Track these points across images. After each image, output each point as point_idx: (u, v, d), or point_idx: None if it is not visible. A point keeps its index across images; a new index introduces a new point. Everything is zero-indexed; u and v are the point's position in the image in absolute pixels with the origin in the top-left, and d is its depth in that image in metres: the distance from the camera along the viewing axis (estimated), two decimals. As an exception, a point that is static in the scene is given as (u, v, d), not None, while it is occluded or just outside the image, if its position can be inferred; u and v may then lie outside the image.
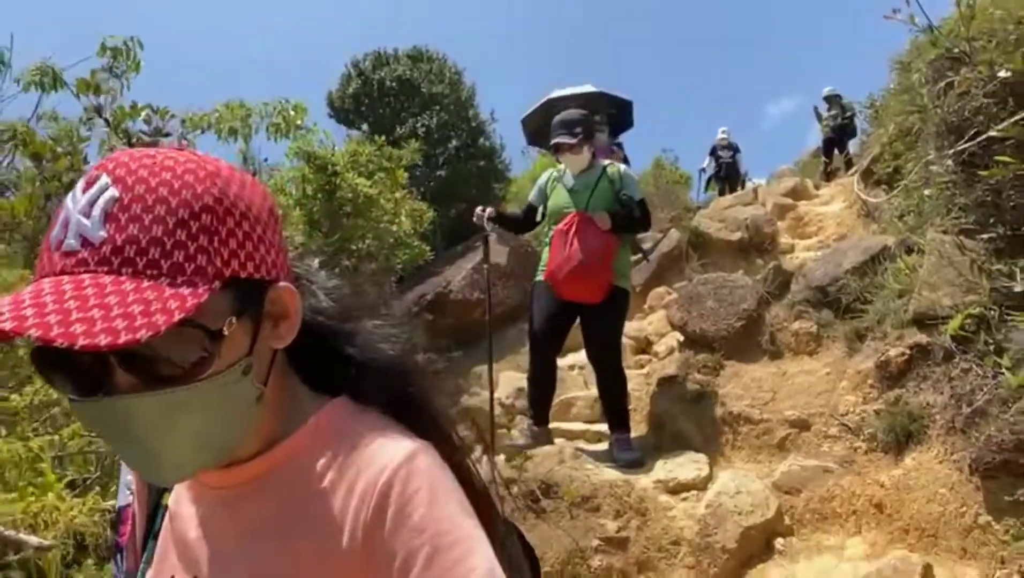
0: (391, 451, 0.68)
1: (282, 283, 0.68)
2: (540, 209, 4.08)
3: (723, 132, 11.04)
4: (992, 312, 2.93)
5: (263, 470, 0.72)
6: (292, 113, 4.49)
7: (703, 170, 10.95)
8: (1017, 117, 2.48)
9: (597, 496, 3.06)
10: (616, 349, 3.92)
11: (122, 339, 0.54)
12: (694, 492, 3.23)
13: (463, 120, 7.39)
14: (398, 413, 0.74)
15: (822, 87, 10.39)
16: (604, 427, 4.34)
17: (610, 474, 3.31)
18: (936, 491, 2.51)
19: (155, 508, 0.80)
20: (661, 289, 6.48)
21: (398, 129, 7.10)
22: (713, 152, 10.91)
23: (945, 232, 3.46)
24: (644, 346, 5.61)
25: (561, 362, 5.43)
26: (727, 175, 10.50)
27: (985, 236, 3.19)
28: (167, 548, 0.77)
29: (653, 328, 5.85)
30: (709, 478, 3.31)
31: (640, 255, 5.94)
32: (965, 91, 2.88)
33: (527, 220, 4.19)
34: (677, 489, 3.28)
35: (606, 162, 4.03)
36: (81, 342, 0.53)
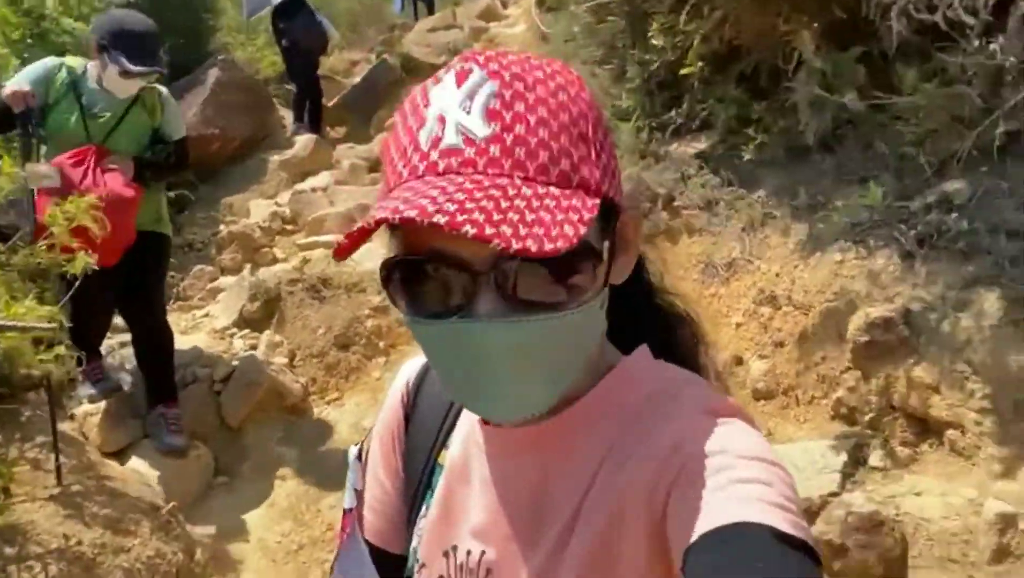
0: (714, 405, 0.63)
1: (629, 211, 0.62)
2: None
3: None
4: (612, 122, 4.40)
5: (576, 418, 0.64)
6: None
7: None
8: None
9: (363, 282, 4.17)
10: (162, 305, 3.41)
11: (547, 246, 0.48)
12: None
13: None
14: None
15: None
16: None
17: (370, 265, 4.44)
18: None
19: (432, 467, 0.74)
20: (383, 112, 7.36)
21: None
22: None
23: (583, 62, 4.84)
24: (376, 165, 6.57)
25: (305, 185, 6.26)
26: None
27: (607, 67, 4.59)
28: (446, 512, 0.70)
29: (380, 148, 6.81)
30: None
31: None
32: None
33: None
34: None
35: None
36: (516, 246, 0.48)
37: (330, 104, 7.65)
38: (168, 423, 3.12)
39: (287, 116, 7.66)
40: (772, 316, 2.90)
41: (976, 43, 2.55)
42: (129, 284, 3.05)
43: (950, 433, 2.21)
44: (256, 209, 5.96)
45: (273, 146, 7.15)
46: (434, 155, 0.55)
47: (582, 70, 4.83)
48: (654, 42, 3.71)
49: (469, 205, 0.50)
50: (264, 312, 4.14)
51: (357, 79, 8.52)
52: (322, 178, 6.43)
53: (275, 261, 5.16)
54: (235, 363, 3.59)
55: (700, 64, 3.47)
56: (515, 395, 0.58)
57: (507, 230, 0.49)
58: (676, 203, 3.65)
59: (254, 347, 3.88)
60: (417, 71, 7.56)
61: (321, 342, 3.83)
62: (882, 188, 2.82)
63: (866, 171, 3.02)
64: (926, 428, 2.29)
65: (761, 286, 3.03)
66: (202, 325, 4.25)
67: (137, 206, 2.98)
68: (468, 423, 0.72)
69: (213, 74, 6.75)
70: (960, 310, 2.30)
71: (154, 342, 3.21)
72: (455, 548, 0.69)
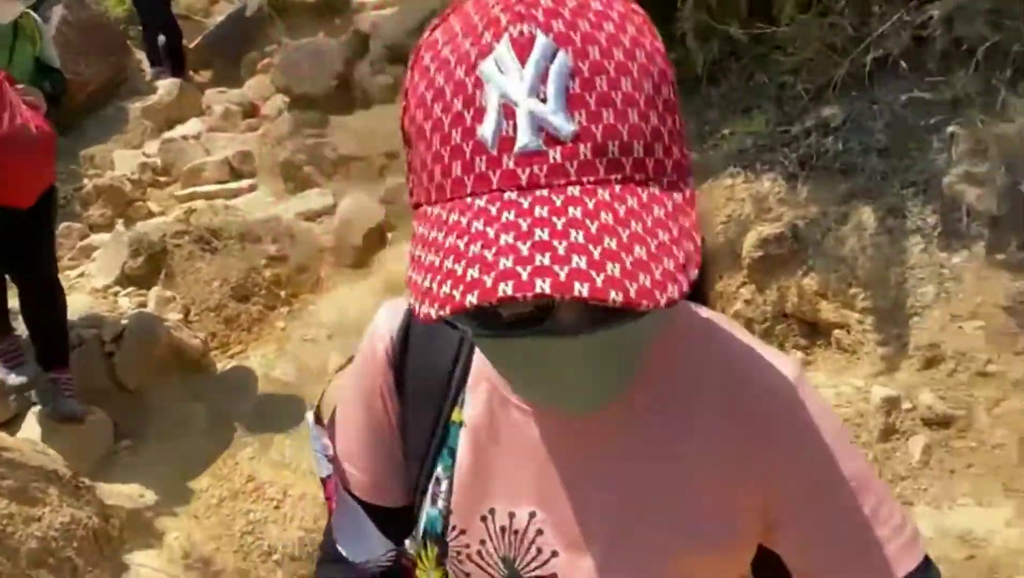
0: (777, 363, 0.61)
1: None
2: None
3: None
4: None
5: (638, 382, 0.58)
6: None
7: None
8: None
9: (254, 231, 4.01)
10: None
11: (684, 286, 0.42)
12: (326, 216, 4.38)
13: None
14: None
15: None
16: (235, 184, 5.14)
17: (259, 214, 4.26)
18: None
19: (444, 425, 0.67)
20: (254, 54, 6.95)
21: None
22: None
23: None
24: (251, 111, 6.24)
25: (174, 133, 5.87)
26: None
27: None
28: (476, 474, 0.66)
29: (254, 92, 6.45)
30: (334, 205, 4.47)
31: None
32: None
33: None
34: (312, 216, 4.39)
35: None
36: (663, 301, 0.41)
37: (192, 46, 7.13)
38: (61, 388, 2.88)
39: (145, 60, 7.10)
40: (671, 240, 3.07)
41: (846, -25, 2.74)
42: (21, 237, 2.74)
43: (837, 333, 2.46)
44: (121, 161, 5.54)
45: (132, 92, 6.62)
46: (508, 161, 0.43)
47: None
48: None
49: (596, 253, 0.40)
50: (149, 267, 3.90)
51: (219, 18, 7.98)
52: (192, 125, 6.04)
53: (151, 215, 4.84)
54: (125, 322, 3.38)
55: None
56: (596, 391, 0.53)
57: (646, 280, 0.40)
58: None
59: (143, 305, 3.66)
60: (288, 10, 7.17)
61: (217, 295, 3.67)
62: (765, 116, 3.02)
63: (750, 100, 3.20)
64: (816, 330, 2.53)
65: (659, 213, 3.18)
66: (78, 285, 3.95)
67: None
68: (487, 380, 0.66)
69: (57, 12, 6.11)
70: (841, 224, 2.53)
71: (48, 300, 2.91)
72: (493, 511, 0.66)
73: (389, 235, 4.20)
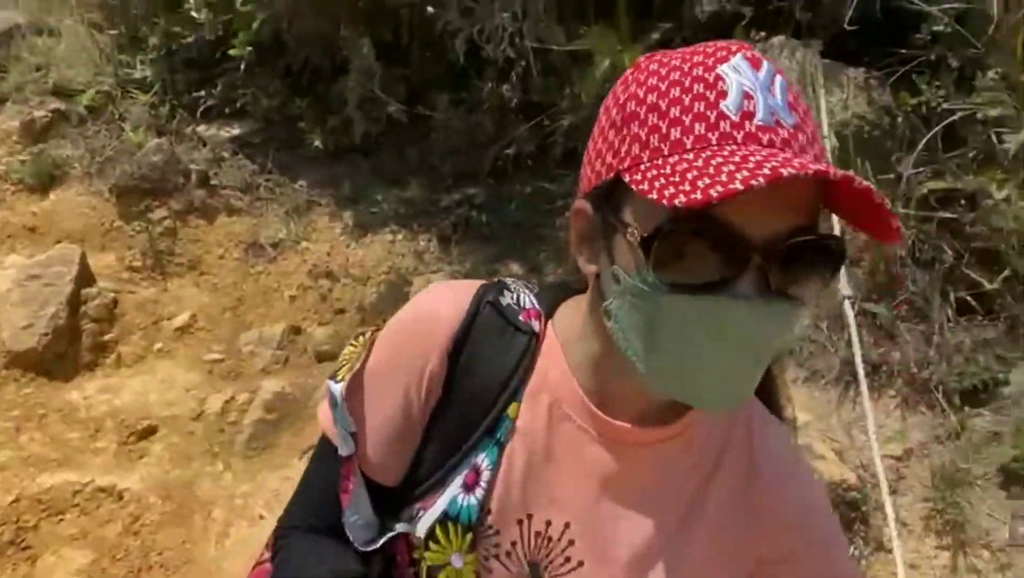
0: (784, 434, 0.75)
1: None
2: None
3: None
4: (116, 91, 3.96)
5: (681, 432, 0.69)
6: None
7: None
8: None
9: None
10: None
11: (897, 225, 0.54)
12: None
13: None
14: None
15: None
16: None
17: None
18: (81, 212, 3.47)
19: (496, 417, 0.70)
20: None
21: None
22: None
23: (80, 22, 4.23)
24: None
25: None
26: None
27: (111, 32, 4.13)
28: (523, 479, 0.70)
29: None
30: None
31: None
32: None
33: None
34: None
35: None
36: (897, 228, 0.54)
37: None
38: None
39: None
40: (331, 288, 3.11)
41: (490, 85, 3.35)
42: None
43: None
44: None
45: None
46: (750, 127, 0.55)
47: (76, 29, 4.20)
48: (194, 15, 3.57)
49: (856, 184, 0.52)
50: None
51: None
52: None
53: None
54: None
55: (249, 49, 3.50)
56: (739, 386, 0.60)
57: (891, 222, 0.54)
58: (212, 183, 3.53)
59: None
60: None
61: None
62: (419, 187, 3.37)
63: (400, 172, 3.53)
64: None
65: (314, 262, 3.20)
66: None
67: None
68: (549, 392, 0.70)
69: None
70: (492, 275, 2.94)
71: None
72: (530, 516, 0.70)
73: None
